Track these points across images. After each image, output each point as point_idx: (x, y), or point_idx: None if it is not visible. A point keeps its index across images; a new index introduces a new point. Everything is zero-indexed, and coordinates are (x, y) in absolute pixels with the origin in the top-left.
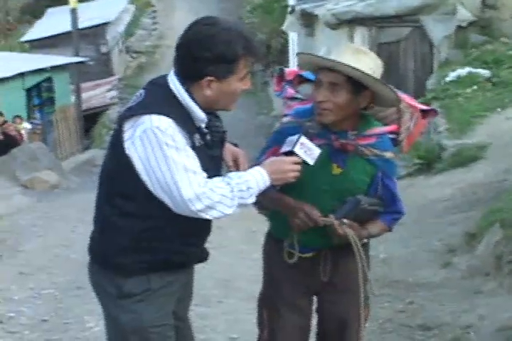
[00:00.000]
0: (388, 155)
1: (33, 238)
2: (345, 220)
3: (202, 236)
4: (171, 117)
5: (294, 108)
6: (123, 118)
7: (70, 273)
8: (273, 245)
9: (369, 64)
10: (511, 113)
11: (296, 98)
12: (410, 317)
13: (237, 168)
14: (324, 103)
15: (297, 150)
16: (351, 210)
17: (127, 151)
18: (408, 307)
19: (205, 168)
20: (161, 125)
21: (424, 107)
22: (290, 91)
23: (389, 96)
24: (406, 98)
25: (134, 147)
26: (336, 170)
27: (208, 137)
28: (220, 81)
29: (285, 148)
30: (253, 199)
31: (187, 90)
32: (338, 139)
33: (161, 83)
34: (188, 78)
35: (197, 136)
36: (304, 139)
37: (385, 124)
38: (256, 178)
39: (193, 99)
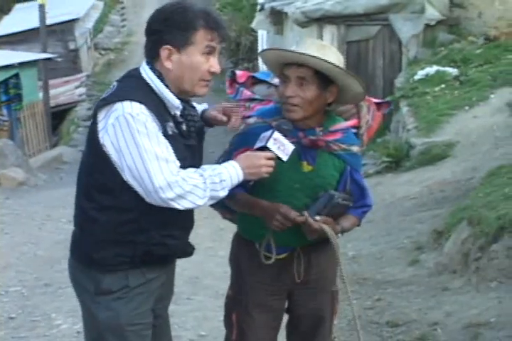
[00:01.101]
0: (355, 149)
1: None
2: (317, 217)
3: (183, 228)
4: (143, 103)
5: (256, 109)
6: (96, 109)
7: (38, 270)
8: (242, 246)
9: (334, 59)
10: (479, 111)
11: (254, 99)
12: (378, 314)
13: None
14: (293, 98)
15: (271, 145)
16: (325, 206)
17: (101, 141)
18: (376, 304)
19: (180, 157)
20: (133, 111)
21: (378, 100)
22: (246, 92)
23: (356, 90)
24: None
25: (108, 135)
26: (307, 167)
27: (184, 126)
28: (179, 52)
29: (258, 144)
30: (225, 193)
31: (159, 77)
32: (306, 136)
33: (133, 74)
34: (150, 54)
35: (171, 124)
36: (277, 135)
37: (345, 119)
38: (229, 171)
39: (166, 85)
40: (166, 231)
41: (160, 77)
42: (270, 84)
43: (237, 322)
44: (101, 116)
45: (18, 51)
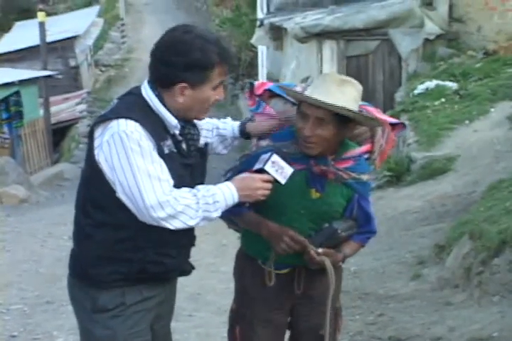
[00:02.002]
0: (365, 177)
1: (1, 253)
2: (320, 250)
3: (180, 246)
4: (137, 121)
5: None
6: (94, 125)
7: (39, 288)
8: (245, 262)
9: (353, 94)
10: (479, 125)
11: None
12: (381, 329)
13: None
14: (311, 138)
15: (268, 168)
16: (327, 239)
17: (97, 158)
18: (378, 320)
19: (176, 176)
20: (127, 129)
21: (393, 120)
22: (268, 109)
23: (374, 126)
24: (374, 111)
25: (102, 152)
26: (315, 194)
27: (183, 145)
28: (194, 88)
29: (257, 166)
30: (218, 214)
31: (158, 96)
32: (317, 165)
33: (134, 92)
34: (161, 84)
35: (168, 143)
36: (275, 157)
37: (358, 143)
38: (224, 193)
39: (164, 105)
40: (162, 249)
41: (160, 97)
42: (286, 100)
43: (241, 336)
44: (97, 133)
45: (18, 69)
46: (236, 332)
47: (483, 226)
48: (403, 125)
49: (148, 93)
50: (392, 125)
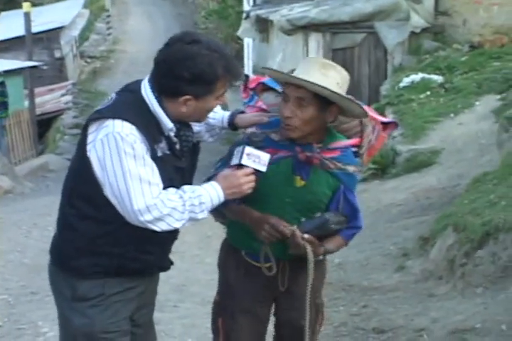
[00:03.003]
0: (351, 169)
1: None
2: (306, 235)
3: (161, 243)
4: (134, 124)
5: None
6: (89, 120)
7: (24, 278)
8: (230, 253)
9: (336, 78)
10: (464, 118)
11: (264, 110)
12: (365, 320)
13: None
14: (291, 119)
15: (245, 161)
16: (317, 228)
17: (88, 153)
18: (362, 311)
19: (168, 178)
20: (123, 131)
21: (385, 119)
22: (258, 102)
23: (356, 111)
24: (367, 109)
25: (95, 150)
26: (299, 182)
27: (177, 146)
28: (197, 99)
29: (234, 161)
30: (204, 215)
31: (157, 98)
32: (303, 152)
33: (133, 89)
34: (164, 94)
35: (162, 145)
36: (248, 149)
37: (348, 137)
38: (210, 193)
39: (163, 108)
40: (143, 246)
41: (159, 99)
42: (279, 93)
43: (224, 328)
44: (92, 128)
45: (3, 59)
46: (219, 324)
47: (467, 218)
48: (395, 124)
49: (148, 94)
50: (385, 124)
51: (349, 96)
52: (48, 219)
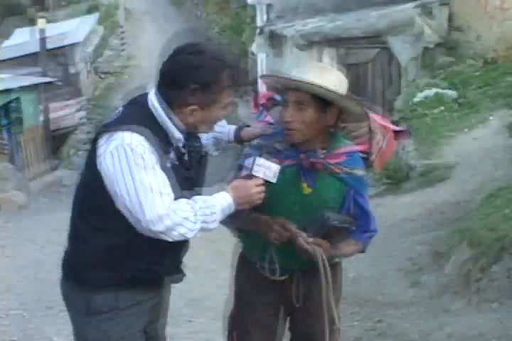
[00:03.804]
0: (359, 172)
1: (0, 258)
2: (310, 239)
3: (173, 255)
4: (142, 135)
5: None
6: (98, 134)
7: (39, 293)
8: (245, 266)
9: (333, 81)
10: (478, 133)
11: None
12: (380, 335)
13: None
14: (291, 123)
15: (255, 172)
16: (319, 228)
17: (99, 166)
18: (377, 326)
19: (178, 188)
20: (132, 143)
21: (397, 128)
22: (268, 118)
23: (356, 111)
24: (378, 118)
25: (105, 162)
26: (307, 189)
27: (186, 157)
28: (203, 109)
29: (244, 172)
30: (216, 225)
31: (164, 110)
32: (307, 158)
33: (140, 101)
34: (171, 105)
35: (171, 156)
36: (259, 160)
37: (357, 142)
38: (221, 204)
39: (171, 119)
40: (155, 257)
41: (166, 111)
42: None
43: None
44: (102, 141)
45: (18, 75)
46: (234, 337)
47: (481, 233)
48: (407, 132)
49: (155, 106)
50: (397, 133)
51: (344, 94)
52: (62, 234)
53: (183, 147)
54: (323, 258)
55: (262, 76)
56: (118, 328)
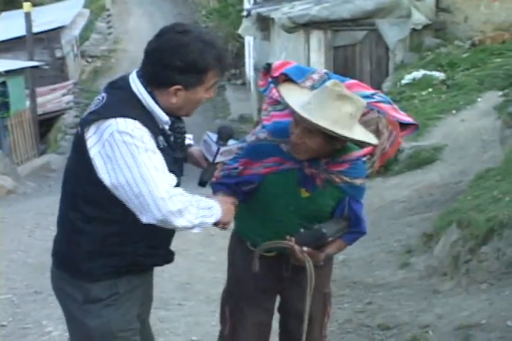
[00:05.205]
0: (359, 182)
1: None
2: (305, 248)
3: (167, 237)
4: (137, 120)
5: (272, 120)
6: (85, 123)
7: (28, 278)
8: (237, 243)
9: (350, 110)
10: (466, 115)
11: (278, 102)
12: (369, 317)
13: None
14: (299, 145)
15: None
16: (314, 241)
17: (93, 156)
18: (367, 308)
19: (169, 170)
20: (128, 128)
21: (407, 120)
22: (274, 93)
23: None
24: (389, 109)
25: (104, 151)
26: (304, 193)
27: (172, 139)
28: (187, 90)
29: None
30: (212, 221)
31: (150, 93)
32: (310, 167)
33: (122, 85)
34: (154, 84)
35: (161, 138)
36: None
37: (361, 145)
38: (215, 205)
39: (157, 101)
40: (152, 241)
41: (151, 93)
42: (302, 87)
43: (230, 317)
44: (91, 130)
45: (4, 59)
46: (226, 312)
47: (470, 214)
48: (416, 126)
49: (139, 89)
50: (404, 125)
51: (359, 137)
52: (51, 218)
53: (169, 129)
54: (312, 268)
55: (283, 96)
56: (118, 313)
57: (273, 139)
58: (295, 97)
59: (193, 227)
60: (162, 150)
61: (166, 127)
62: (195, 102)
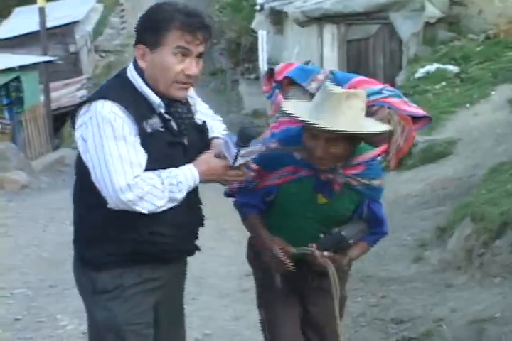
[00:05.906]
0: (376, 183)
1: (3, 238)
2: (325, 253)
3: (174, 225)
4: (115, 101)
5: (281, 127)
6: (77, 107)
7: (42, 272)
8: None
9: (359, 105)
10: (480, 109)
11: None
12: (383, 311)
13: None
14: (324, 160)
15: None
16: (334, 245)
17: (77, 140)
18: (381, 301)
19: (163, 154)
20: (103, 110)
21: (419, 113)
22: (280, 98)
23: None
24: (400, 104)
25: (81, 134)
26: (321, 199)
27: (173, 123)
28: (152, 51)
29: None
30: (183, 194)
31: (140, 75)
32: (326, 172)
33: (120, 73)
34: (135, 55)
35: (151, 122)
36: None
37: (375, 143)
38: (185, 174)
39: (147, 84)
40: (154, 228)
41: (142, 75)
42: (305, 90)
43: (266, 318)
44: (78, 115)
45: (18, 54)
46: (262, 314)
47: (484, 208)
48: (429, 118)
49: (132, 72)
50: (416, 119)
51: (381, 128)
52: (65, 213)
53: (167, 113)
54: (335, 274)
55: (288, 114)
56: (124, 306)
57: (284, 148)
58: (303, 111)
59: (159, 208)
60: (150, 134)
61: (162, 110)
62: (163, 69)
